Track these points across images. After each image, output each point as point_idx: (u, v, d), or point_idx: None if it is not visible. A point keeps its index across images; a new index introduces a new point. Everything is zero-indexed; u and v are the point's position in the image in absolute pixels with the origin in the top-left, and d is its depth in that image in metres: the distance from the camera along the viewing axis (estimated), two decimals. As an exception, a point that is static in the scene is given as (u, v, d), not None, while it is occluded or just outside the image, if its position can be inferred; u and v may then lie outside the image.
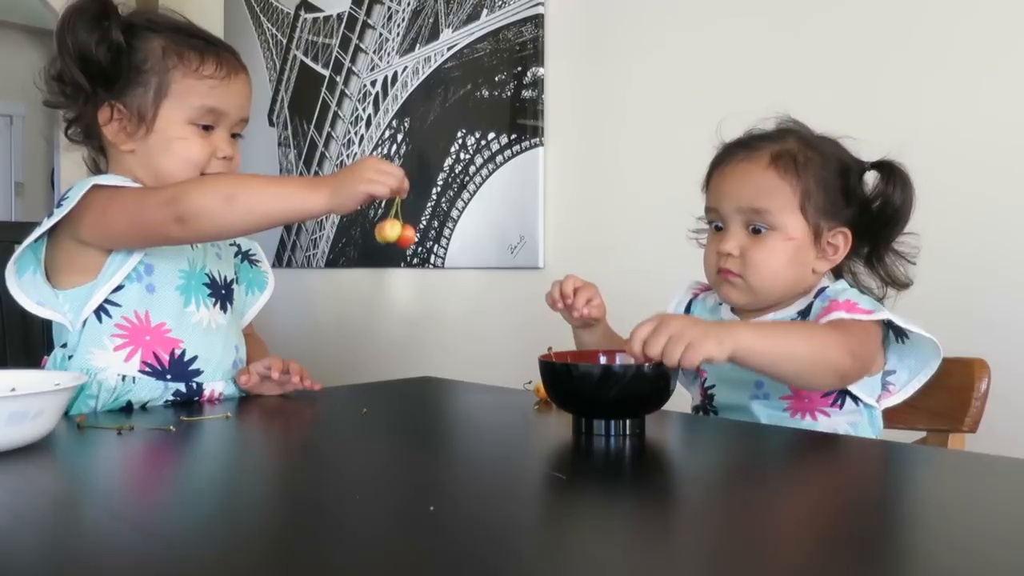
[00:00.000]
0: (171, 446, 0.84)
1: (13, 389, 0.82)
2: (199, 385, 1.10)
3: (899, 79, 1.48)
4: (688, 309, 1.20)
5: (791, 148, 1.06)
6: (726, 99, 1.71)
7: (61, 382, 0.84)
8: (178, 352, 1.08)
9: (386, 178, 0.97)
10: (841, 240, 1.07)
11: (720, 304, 1.16)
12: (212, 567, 0.50)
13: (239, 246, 1.29)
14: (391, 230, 1.00)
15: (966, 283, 1.34)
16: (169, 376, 1.07)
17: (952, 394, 1.06)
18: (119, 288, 1.06)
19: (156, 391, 1.06)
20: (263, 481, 0.75)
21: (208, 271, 1.16)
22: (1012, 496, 0.68)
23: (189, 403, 1.08)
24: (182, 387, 1.08)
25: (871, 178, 1.10)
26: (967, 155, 1.38)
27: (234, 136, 1.14)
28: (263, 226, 1.02)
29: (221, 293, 1.17)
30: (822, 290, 1.08)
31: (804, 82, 1.59)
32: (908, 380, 1.05)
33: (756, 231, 1.06)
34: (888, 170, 1.08)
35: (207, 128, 1.10)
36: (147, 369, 1.06)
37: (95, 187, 1.02)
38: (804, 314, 1.07)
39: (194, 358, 1.09)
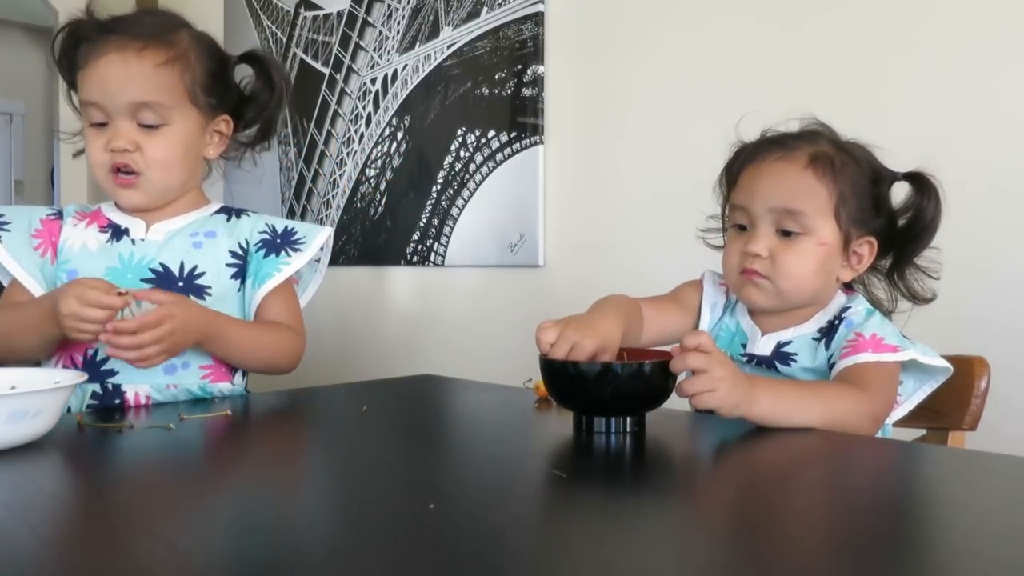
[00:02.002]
0: (171, 444, 0.84)
1: (13, 387, 0.82)
2: (116, 387, 1.07)
3: (902, 78, 1.48)
4: (723, 312, 1.16)
5: (827, 151, 1.04)
6: (726, 97, 1.71)
7: (61, 380, 0.84)
8: (91, 352, 1.07)
9: (86, 326, 0.94)
10: (867, 249, 1.05)
11: (737, 303, 1.14)
12: (212, 566, 0.50)
13: (274, 232, 1.21)
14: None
15: (966, 281, 1.33)
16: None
17: (952, 392, 1.06)
18: None
19: (72, 397, 1.03)
20: (262, 479, 0.75)
21: (158, 264, 1.11)
22: (1012, 494, 0.68)
23: (110, 409, 1.03)
24: (97, 388, 1.06)
25: (899, 189, 1.08)
26: (967, 153, 1.38)
27: (148, 127, 1.09)
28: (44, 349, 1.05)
29: (178, 287, 1.11)
30: (844, 309, 1.05)
31: (805, 81, 1.59)
32: (915, 390, 1.05)
33: (786, 233, 1.02)
34: (922, 182, 1.05)
35: (102, 125, 1.09)
36: None
37: None
38: (825, 334, 1.05)
39: (106, 359, 1.06)
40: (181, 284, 1.12)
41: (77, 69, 1.10)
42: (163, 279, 1.11)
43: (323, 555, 0.51)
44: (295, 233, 1.22)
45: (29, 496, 0.66)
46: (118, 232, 1.13)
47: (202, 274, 1.14)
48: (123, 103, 1.06)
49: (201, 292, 1.13)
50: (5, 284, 1.12)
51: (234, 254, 1.17)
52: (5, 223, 1.10)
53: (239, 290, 1.17)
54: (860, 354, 0.97)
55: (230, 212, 1.22)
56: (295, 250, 1.19)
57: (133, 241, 1.12)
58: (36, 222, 1.13)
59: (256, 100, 1.21)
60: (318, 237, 1.22)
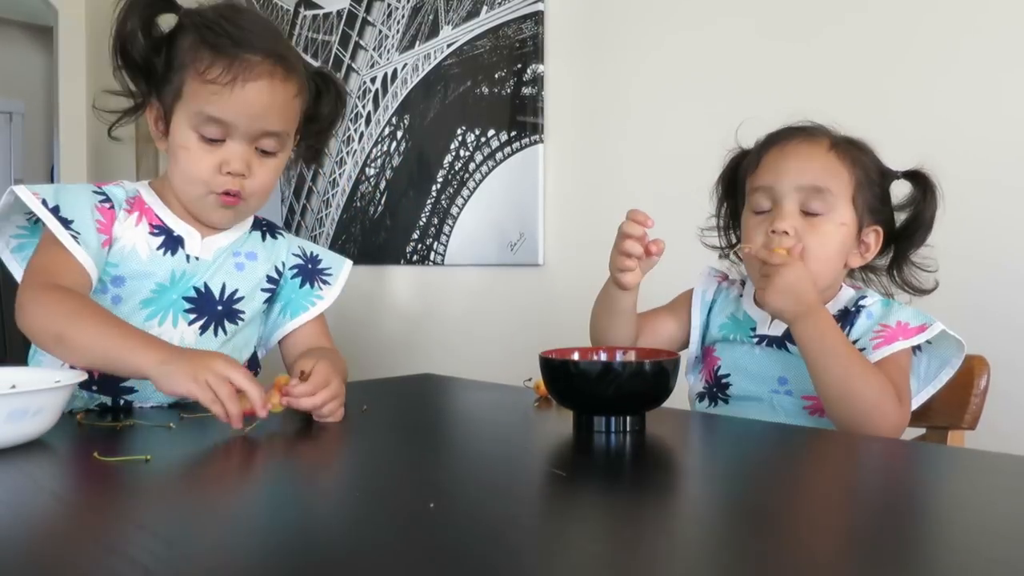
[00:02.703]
0: (171, 443, 0.84)
1: (13, 386, 0.82)
2: (128, 402, 1.04)
3: (902, 77, 1.48)
4: (714, 300, 1.19)
5: (843, 139, 1.08)
6: (726, 96, 1.71)
7: (61, 379, 0.84)
8: None
9: (220, 391, 0.84)
10: (873, 239, 1.08)
11: (741, 296, 1.15)
12: (211, 565, 0.50)
13: (305, 257, 1.20)
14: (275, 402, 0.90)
15: (966, 280, 1.34)
16: (95, 387, 1.02)
17: (951, 391, 1.06)
18: None
19: (79, 400, 1.02)
20: (262, 478, 0.75)
21: (201, 284, 1.08)
22: (1012, 493, 0.68)
23: (111, 409, 1.02)
24: (108, 401, 1.03)
25: (898, 188, 1.10)
26: (966, 151, 1.38)
27: (264, 153, 1.04)
28: (94, 369, 0.95)
29: (216, 310, 1.09)
30: (861, 298, 1.08)
31: (806, 81, 1.59)
32: (919, 389, 1.06)
33: (808, 216, 1.05)
34: (923, 181, 1.08)
35: (216, 141, 1.01)
36: None
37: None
38: (840, 319, 1.06)
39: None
40: (220, 307, 1.09)
41: (193, 73, 1.00)
42: (203, 300, 1.08)
43: (323, 554, 0.51)
44: (320, 261, 1.22)
45: (29, 495, 0.66)
46: (171, 240, 1.07)
47: (241, 299, 1.11)
48: (258, 130, 1.02)
49: (235, 317, 1.11)
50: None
51: (270, 279, 1.16)
52: (69, 221, 1.00)
53: (264, 311, 1.17)
54: (894, 343, 1.01)
55: (263, 229, 1.19)
56: (324, 282, 1.20)
57: (187, 258, 1.07)
58: (95, 211, 1.04)
59: (319, 121, 1.15)
60: (343, 271, 1.22)
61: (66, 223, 1.00)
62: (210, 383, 0.84)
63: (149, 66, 1.02)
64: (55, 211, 1.00)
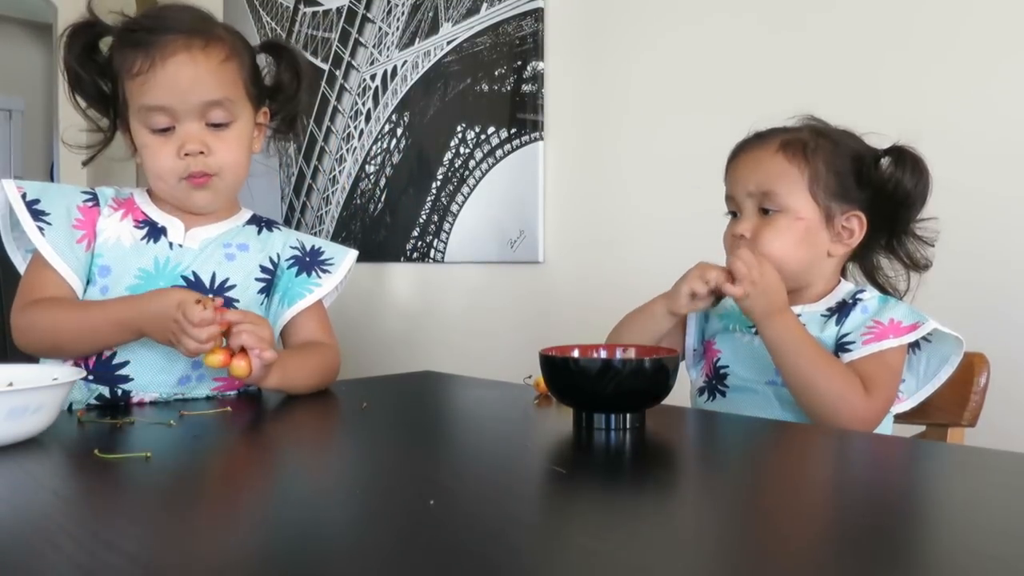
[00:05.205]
0: (171, 441, 0.84)
1: (11, 384, 0.82)
2: (125, 392, 1.04)
3: (900, 73, 1.48)
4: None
5: (802, 136, 1.10)
6: (725, 93, 1.71)
7: (59, 377, 0.84)
8: (107, 354, 1.04)
9: (187, 341, 0.93)
10: (856, 224, 1.10)
11: None
12: (211, 563, 0.50)
13: (303, 250, 1.20)
14: (211, 357, 0.95)
15: (966, 277, 1.33)
16: (91, 377, 1.03)
17: (951, 389, 1.06)
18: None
19: (78, 392, 1.03)
20: (263, 475, 0.75)
21: (190, 272, 1.09)
22: (1012, 490, 0.68)
23: (111, 406, 1.02)
24: (105, 391, 1.04)
25: (886, 165, 1.12)
26: (967, 148, 1.37)
27: (216, 126, 1.06)
28: (94, 352, 1.03)
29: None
30: (858, 292, 1.09)
31: (804, 78, 1.59)
32: (917, 388, 1.07)
33: (766, 212, 1.09)
34: (898, 154, 1.10)
35: (167, 130, 1.04)
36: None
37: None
38: (836, 312, 1.08)
39: (124, 363, 1.04)
40: (211, 296, 1.08)
41: (125, 76, 1.03)
42: (193, 288, 1.08)
43: (323, 552, 0.51)
44: (322, 253, 1.22)
45: (29, 492, 0.66)
46: (155, 231, 1.09)
47: (232, 287, 1.12)
48: (196, 103, 1.03)
49: (228, 304, 1.11)
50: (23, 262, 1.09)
51: (264, 268, 1.16)
52: (44, 214, 1.04)
53: (263, 304, 1.16)
54: (884, 340, 1.02)
55: (260, 224, 1.20)
56: (324, 271, 1.19)
57: (171, 245, 1.09)
58: (74, 210, 1.07)
59: (282, 90, 1.17)
60: (345, 260, 1.22)
61: (39, 215, 1.04)
62: (181, 332, 0.93)
63: (102, 92, 1.08)
64: (34, 203, 1.04)
